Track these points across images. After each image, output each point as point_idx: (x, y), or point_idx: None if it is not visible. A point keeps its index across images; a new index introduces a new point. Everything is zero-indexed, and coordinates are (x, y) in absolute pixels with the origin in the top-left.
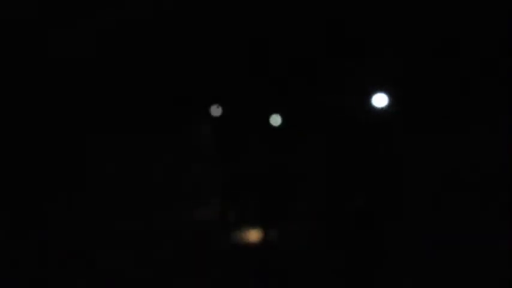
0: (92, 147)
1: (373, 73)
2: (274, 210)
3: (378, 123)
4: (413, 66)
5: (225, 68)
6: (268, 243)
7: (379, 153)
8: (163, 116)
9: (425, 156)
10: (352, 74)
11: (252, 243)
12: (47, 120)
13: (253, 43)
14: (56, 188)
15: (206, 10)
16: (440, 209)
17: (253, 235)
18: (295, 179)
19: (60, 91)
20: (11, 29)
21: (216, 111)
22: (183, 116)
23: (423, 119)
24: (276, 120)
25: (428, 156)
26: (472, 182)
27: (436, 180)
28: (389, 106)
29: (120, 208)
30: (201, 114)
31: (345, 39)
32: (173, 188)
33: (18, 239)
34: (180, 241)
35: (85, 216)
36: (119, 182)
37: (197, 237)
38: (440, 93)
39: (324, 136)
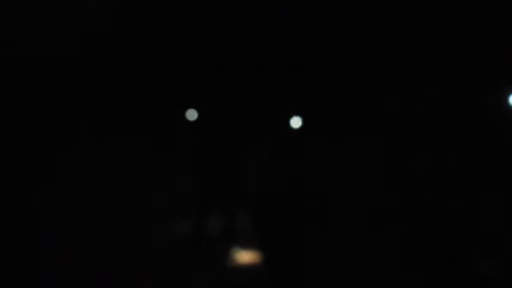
0: (89, 147)
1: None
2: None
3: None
4: (412, 67)
5: (219, 68)
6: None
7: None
8: (158, 117)
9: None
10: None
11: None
12: (42, 120)
13: (252, 44)
14: (48, 187)
15: (202, 10)
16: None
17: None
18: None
19: (53, 91)
20: (10, 30)
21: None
22: (176, 118)
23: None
24: (297, 122)
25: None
26: (472, 183)
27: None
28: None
29: (114, 209)
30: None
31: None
32: (157, 190)
33: (18, 239)
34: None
35: (81, 216)
36: (107, 183)
37: (178, 250)
38: (440, 93)
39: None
